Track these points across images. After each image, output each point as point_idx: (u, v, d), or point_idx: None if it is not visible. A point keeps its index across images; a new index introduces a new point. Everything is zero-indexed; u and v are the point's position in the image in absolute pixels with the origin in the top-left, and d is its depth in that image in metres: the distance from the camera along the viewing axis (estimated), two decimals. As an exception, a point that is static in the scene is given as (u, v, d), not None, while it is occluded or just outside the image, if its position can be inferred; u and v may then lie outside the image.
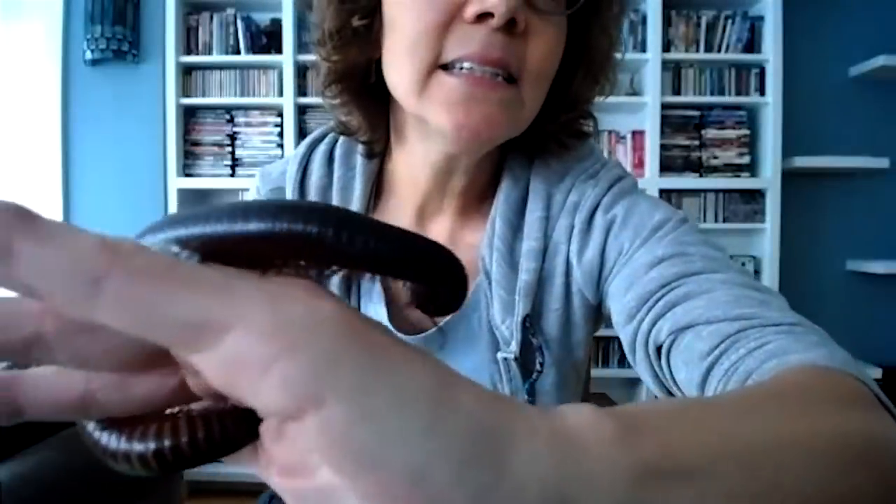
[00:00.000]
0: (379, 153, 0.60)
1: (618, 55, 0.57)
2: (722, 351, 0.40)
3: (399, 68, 0.50)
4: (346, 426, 0.15)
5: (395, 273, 0.18)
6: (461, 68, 0.47)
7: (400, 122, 0.56)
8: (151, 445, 0.16)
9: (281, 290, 0.16)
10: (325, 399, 0.15)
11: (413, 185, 0.58)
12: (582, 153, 0.59)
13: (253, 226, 0.17)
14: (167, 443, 0.16)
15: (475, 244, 0.58)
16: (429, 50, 0.47)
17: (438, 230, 0.59)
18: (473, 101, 0.47)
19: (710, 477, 0.18)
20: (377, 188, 0.61)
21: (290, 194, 0.60)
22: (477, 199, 0.59)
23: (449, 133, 0.48)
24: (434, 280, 0.19)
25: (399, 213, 0.60)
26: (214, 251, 0.17)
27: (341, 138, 0.62)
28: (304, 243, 0.17)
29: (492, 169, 0.59)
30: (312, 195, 0.60)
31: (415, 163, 0.56)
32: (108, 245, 0.15)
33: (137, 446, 0.17)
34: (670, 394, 0.47)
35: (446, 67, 0.48)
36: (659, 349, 0.46)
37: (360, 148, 0.60)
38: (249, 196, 0.64)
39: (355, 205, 0.59)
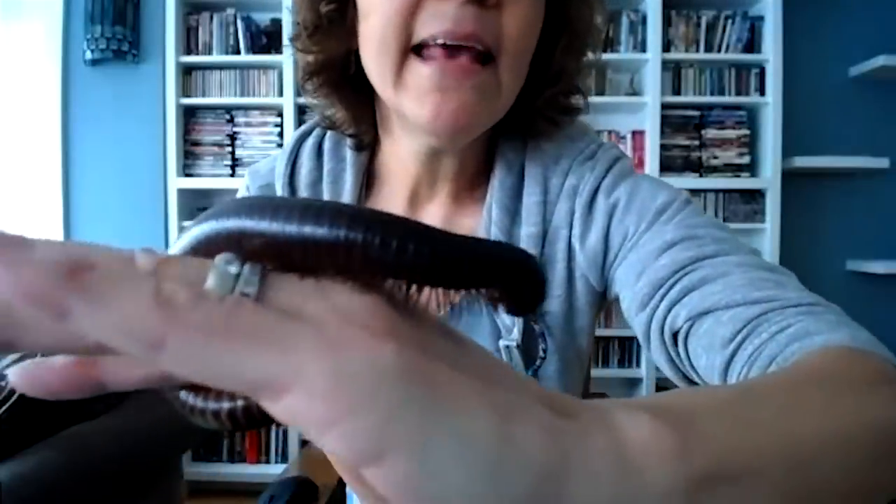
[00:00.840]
0: (368, 145, 0.60)
1: (600, 23, 0.56)
2: (744, 336, 0.40)
3: (375, 56, 0.49)
4: (407, 479, 0.15)
5: (481, 285, 0.18)
6: (434, 44, 0.46)
7: (385, 113, 0.56)
8: (225, 406, 0.18)
9: (341, 335, 0.15)
10: (385, 455, 0.15)
11: (403, 174, 0.58)
12: (574, 133, 0.58)
13: (322, 231, 0.16)
14: (239, 404, 0.17)
15: (472, 229, 0.57)
16: (400, 30, 0.46)
17: (432, 216, 0.59)
18: (447, 89, 0.46)
19: (761, 478, 0.19)
20: (368, 179, 0.61)
21: (279, 190, 0.60)
22: (470, 184, 0.59)
23: (425, 124, 0.47)
24: (517, 285, 0.19)
25: (391, 201, 0.59)
26: (278, 253, 0.17)
27: (329, 131, 0.62)
28: (386, 264, 0.16)
29: (483, 152, 0.58)
30: (302, 189, 0.60)
31: (402, 152, 0.56)
32: (164, 300, 0.15)
33: (212, 405, 0.18)
34: (687, 379, 0.47)
35: (420, 50, 0.47)
36: (675, 335, 0.46)
37: (348, 141, 0.60)
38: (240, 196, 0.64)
39: (346, 196, 0.59)
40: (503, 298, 0.20)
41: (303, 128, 0.64)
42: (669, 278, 0.46)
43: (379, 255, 0.16)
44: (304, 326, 0.15)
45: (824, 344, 0.34)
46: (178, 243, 0.20)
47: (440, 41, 0.45)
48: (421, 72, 0.47)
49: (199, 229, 0.19)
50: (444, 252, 0.17)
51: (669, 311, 0.46)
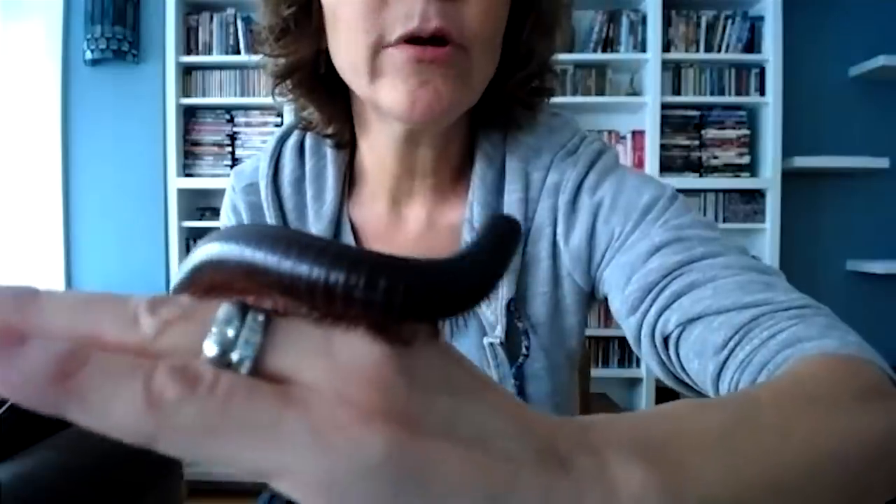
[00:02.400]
0: (347, 143, 0.60)
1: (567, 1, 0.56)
2: (736, 343, 0.40)
3: (346, 56, 0.49)
4: None
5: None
6: (406, 41, 0.46)
7: (360, 110, 0.56)
8: None
9: (332, 422, 0.15)
10: None
11: (382, 171, 0.57)
12: (555, 124, 0.58)
13: (330, 275, 0.16)
14: None
15: (454, 224, 0.57)
16: (369, 33, 0.46)
17: (415, 214, 0.58)
18: (421, 74, 0.46)
19: None
20: (350, 177, 0.61)
21: (263, 190, 0.60)
22: (451, 179, 0.58)
23: (402, 113, 0.47)
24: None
25: (373, 201, 0.59)
26: (286, 292, 0.17)
27: None
28: (395, 309, 0.16)
29: (463, 145, 0.58)
30: (286, 188, 0.60)
31: (380, 146, 0.56)
32: (154, 400, 0.15)
33: None
34: (677, 380, 0.48)
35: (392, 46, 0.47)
36: (666, 340, 0.46)
37: (327, 139, 0.60)
38: (226, 197, 0.64)
39: (329, 193, 0.58)
40: None
41: (284, 128, 0.64)
42: (659, 283, 0.46)
43: (387, 302, 0.16)
44: (295, 415, 0.15)
45: (815, 350, 0.35)
46: (184, 266, 0.20)
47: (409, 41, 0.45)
48: (395, 60, 0.46)
49: (206, 252, 0.19)
50: (439, 285, 0.17)
51: (660, 316, 0.46)
